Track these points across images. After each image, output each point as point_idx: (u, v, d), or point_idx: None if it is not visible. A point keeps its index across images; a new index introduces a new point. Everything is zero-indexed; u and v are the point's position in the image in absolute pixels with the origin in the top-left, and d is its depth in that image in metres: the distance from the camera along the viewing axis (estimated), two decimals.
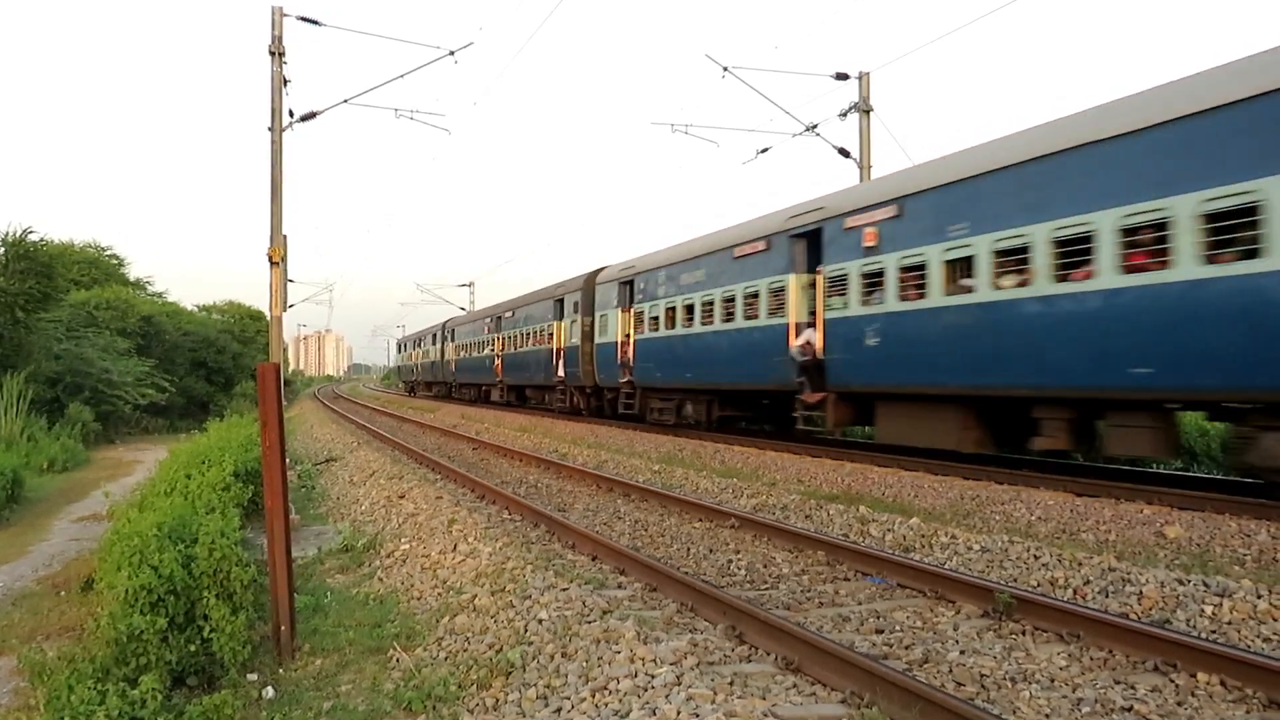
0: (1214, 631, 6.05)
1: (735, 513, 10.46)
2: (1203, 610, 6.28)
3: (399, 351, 74.52)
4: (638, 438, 19.88)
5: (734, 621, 6.26)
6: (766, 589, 7.68)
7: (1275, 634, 5.88)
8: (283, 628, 6.61)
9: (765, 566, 8.50)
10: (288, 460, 15.91)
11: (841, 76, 22.50)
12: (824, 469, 13.51)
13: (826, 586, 7.70)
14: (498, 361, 36.34)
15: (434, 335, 52.63)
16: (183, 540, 6.80)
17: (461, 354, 43.85)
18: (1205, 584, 6.58)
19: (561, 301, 28.28)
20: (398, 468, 15.72)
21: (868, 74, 22.42)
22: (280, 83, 20.09)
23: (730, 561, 8.71)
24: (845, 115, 22.74)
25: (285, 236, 20.15)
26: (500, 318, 36.24)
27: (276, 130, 20.11)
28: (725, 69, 21.83)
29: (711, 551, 9.18)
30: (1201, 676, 5.22)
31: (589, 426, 23.45)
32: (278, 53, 20.03)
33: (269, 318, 21.25)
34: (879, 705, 4.77)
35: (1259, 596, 6.25)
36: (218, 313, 56.03)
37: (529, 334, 31.62)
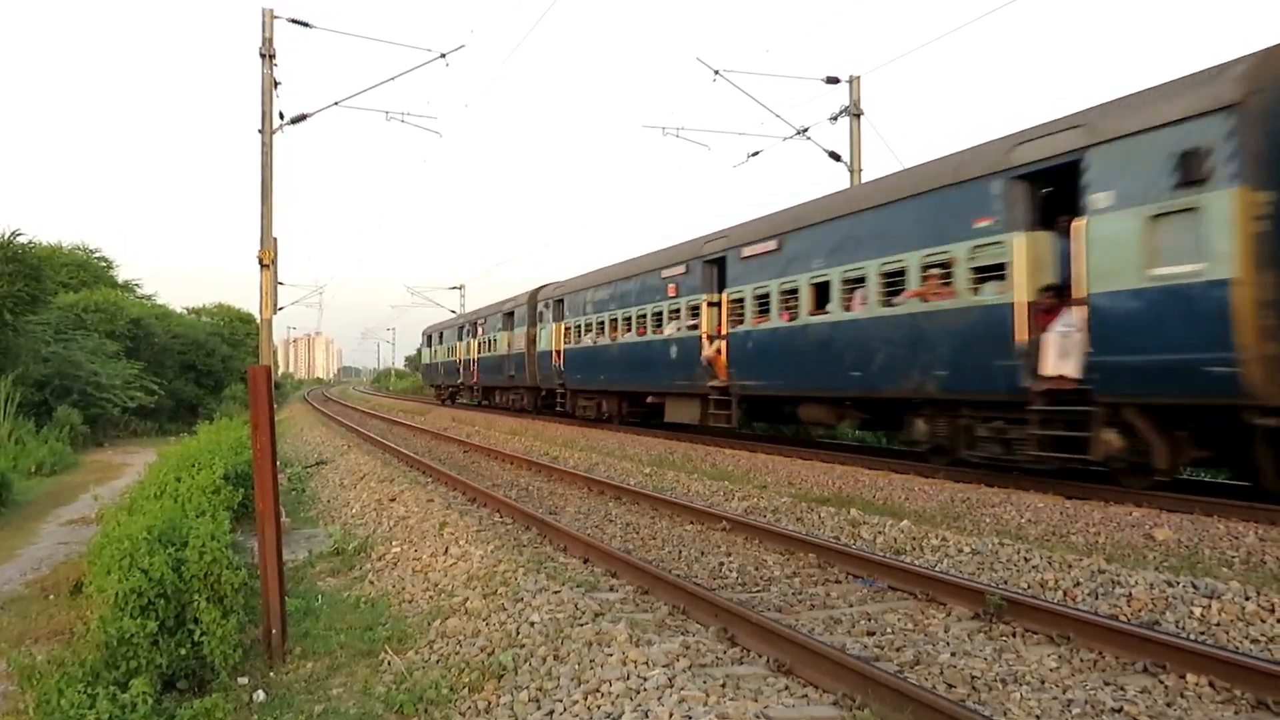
0: (1203, 633, 6.08)
1: (727, 515, 10.47)
2: (1191, 612, 6.31)
3: (426, 345, 53.52)
4: (628, 440, 19.89)
5: (726, 624, 6.27)
6: (758, 591, 7.69)
7: (1263, 635, 5.91)
8: (274, 631, 6.60)
9: (757, 569, 8.51)
10: (278, 463, 15.86)
11: (832, 80, 22.57)
12: (815, 471, 13.53)
13: (818, 589, 7.72)
14: (714, 347, 18.33)
15: (505, 315, 33.56)
16: (173, 543, 6.79)
17: (588, 339, 25.14)
18: (1194, 586, 6.62)
19: (1074, 167, 10.36)
20: (388, 470, 15.69)
21: (858, 78, 22.50)
22: (270, 85, 20.04)
23: (722, 564, 8.72)
24: (836, 119, 22.82)
25: (275, 239, 20.10)
26: (731, 257, 17.90)
27: (267, 132, 20.06)
28: (716, 72, 21.88)
29: (703, 554, 9.19)
30: (1190, 678, 5.26)
31: (580, 429, 23.44)
32: (268, 55, 19.99)
33: (259, 320, 21.20)
34: (871, 707, 4.79)
35: (1247, 598, 6.29)
36: (207, 315, 55.83)
37: (852, 282, 14.16)
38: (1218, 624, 6.14)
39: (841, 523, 10.18)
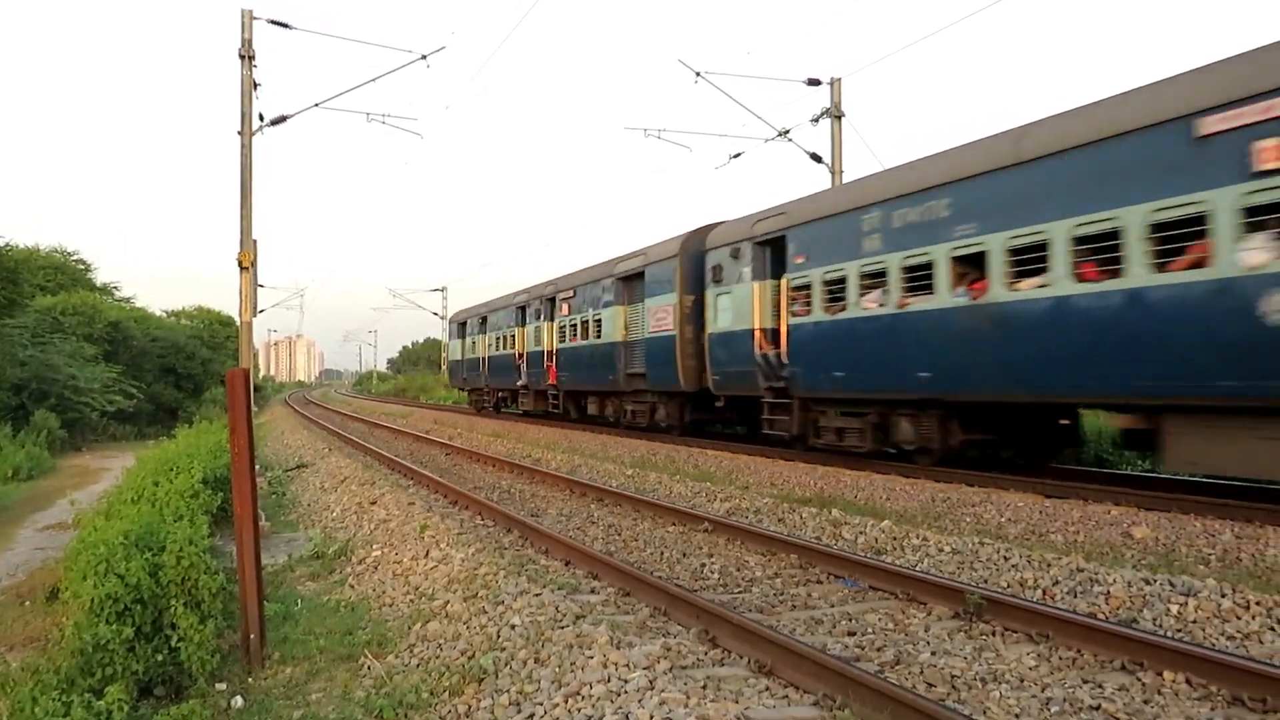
0: (1179, 630, 6.13)
1: (709, 516, 10.47)
2: (1169, 609, 6.36)
3: (456, 337, 40.02)
4: (611, 442, 19.87)
5: (707, 625, 6.27)
6: (740, 592, 7.70)
7: (1239, 632, 5.96)
8: (252, 636, 6.54)
9: (738, 570, 8.52)
10: (258, 467, 15.77)
11: (813, 82, 22.66)
12: (797, 472, 13.56)
13: (799, 589, 7.73)
14: None
15: (621, 281, 22.34)
16: (150, 548, 6.73)
17: (869, 302, 13.54)
18: (1171, 584, 6.67)
19: None
20: (369, 474, 15.62)
21: (839, 80, 22.59)
22: (250, 86, 19.92)
23: (704, 565, 8.72)
24: (817, 120, 22.92)
25: (255, 241, 19.97)
26: None
27: (246, 134, 19.94)
28: (698, 74, 21.94)
29: (685, 555, 9.19)
30: (1167, 675, 5.29)
31: (563, 431, 23.41)
32: (248, 56, 19.88)
33: (238, 323, 21.07)
34: (851, 708, 4.80)
35: (1223, 595, 6.34)
36: (187, 318, 55.54)
37: None
38: (1194, 621, 6.19)
39: (823, 523, 10.20)
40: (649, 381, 20.68)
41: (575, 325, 25.10)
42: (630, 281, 22.09)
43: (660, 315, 20.09)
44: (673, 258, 19.74)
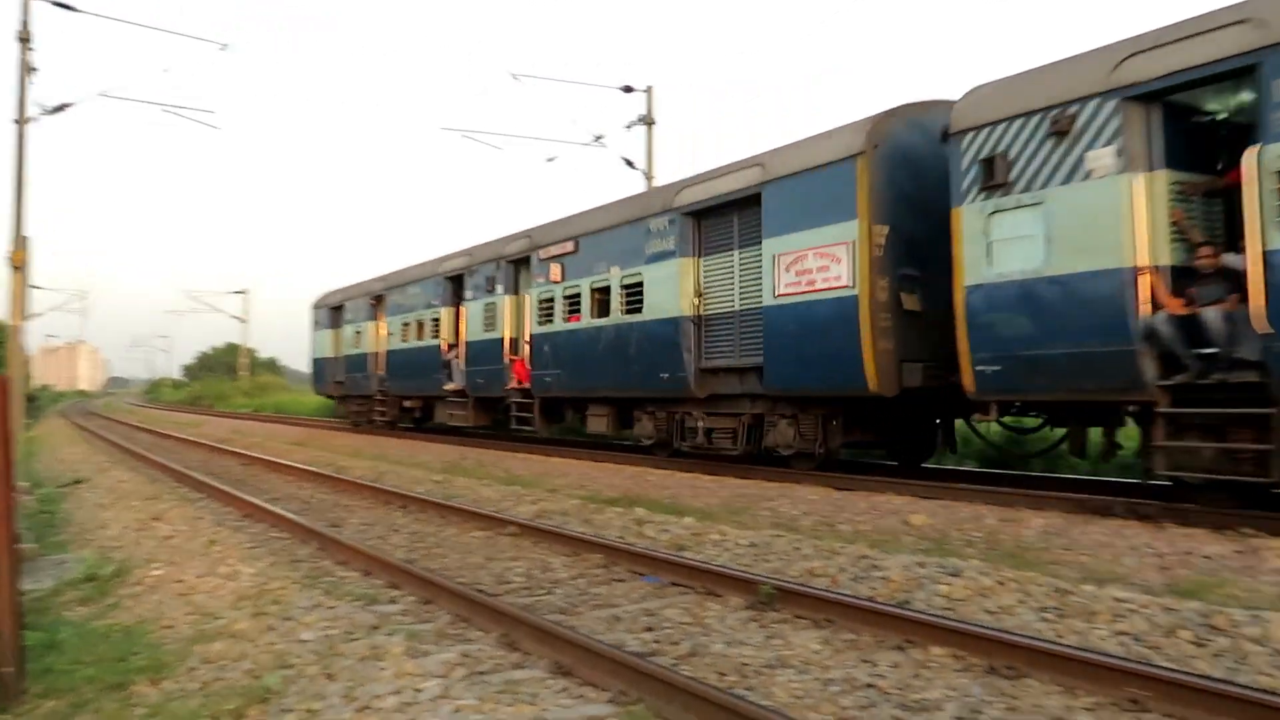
0: (947, 608, 6.61)
1: (515, 520, 10.43)
2: (937, 590, 6.85)
3: (328, 325, 29.98)
4: (420, 448, 19.45)
5: (507, 629, 6.23)
6: (543, 595, 7.70)
7: (998, 607, 6.49)
8: (6, 670, 5.98)
9: (543, 572, 8.53)
10: (27, 484, 14.44)
11: (627, 89, 23.07)
12: (605, 473, 13.73)
13: (602, 589, 7.82)
14: None
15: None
16: None
17: None
18: (941, 566, 7.20)
19: None
20: (154, 488, 14.61)
21: (651, 88, 23.12)
22: (26, 70, 18.33)
23: (508, 569, 8.68)
24: (631, 127, 23.35)
25: (27, 238, 18.42)
26: None
27: (22, 122, 18.34)
28: (514, 76, 21.94)
29: (490, 560, 9.12)
30: (934, 650, 5.70)
31: (370, 438, 22.70)
32: (24, 39, 18.28)
33: (8, 327, 19.30)
34: (646, 701, 4.90)
35: (984, 574, 6.90)
36: None
37: None
38: (960, 600, 6.69)
39: (628, 522, 10.36)
40: (767, 381, 12.64)
41: (576, 297, 16.69)
42: (712, 216, 13.86)
43: (809, 266, 11.86)
44: (846, 160, 11.33)
